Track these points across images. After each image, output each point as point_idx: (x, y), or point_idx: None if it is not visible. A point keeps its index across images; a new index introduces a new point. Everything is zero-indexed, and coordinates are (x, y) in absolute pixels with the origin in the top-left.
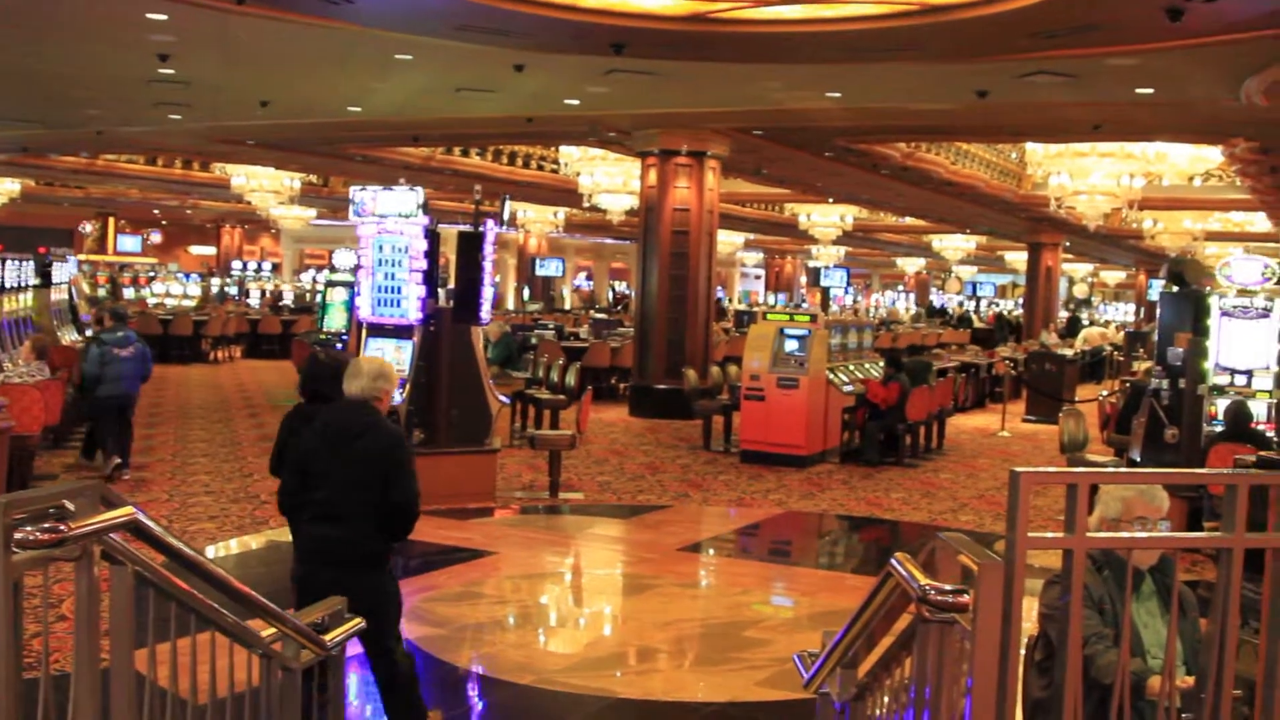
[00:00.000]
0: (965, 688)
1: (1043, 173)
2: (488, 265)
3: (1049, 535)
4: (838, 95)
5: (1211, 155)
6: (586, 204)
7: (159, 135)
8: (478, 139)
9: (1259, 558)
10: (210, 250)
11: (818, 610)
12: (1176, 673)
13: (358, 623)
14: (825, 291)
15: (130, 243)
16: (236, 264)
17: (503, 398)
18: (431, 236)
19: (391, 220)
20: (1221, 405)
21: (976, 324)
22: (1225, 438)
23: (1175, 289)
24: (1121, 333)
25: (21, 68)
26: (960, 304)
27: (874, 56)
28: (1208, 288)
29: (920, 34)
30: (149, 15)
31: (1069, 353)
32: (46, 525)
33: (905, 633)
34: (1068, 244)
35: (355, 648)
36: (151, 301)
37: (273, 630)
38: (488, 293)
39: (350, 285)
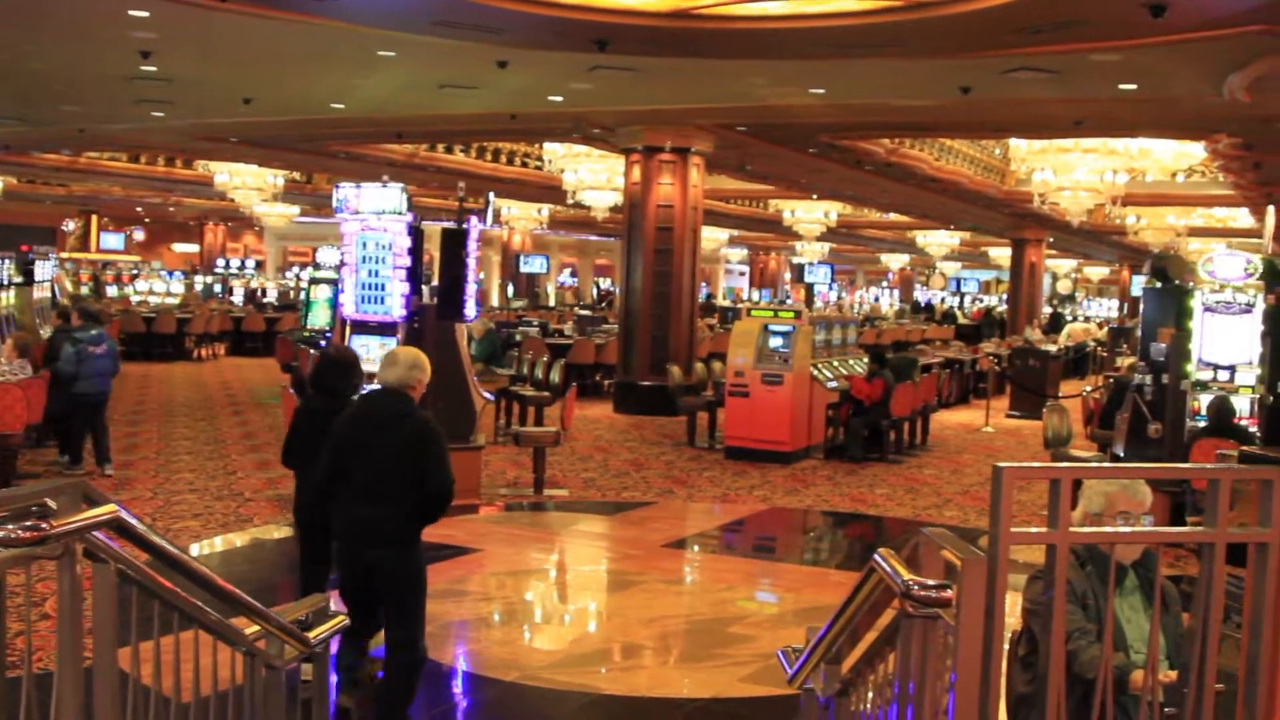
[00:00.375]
0: (949, 683)
1: (1026, 169)
2: (472, 262)
3: (1032, 530)
4: (821, 92)
5: (1194, 151)
6: (571, 201)
7: (142, 132)
8: (461, 136)
9: (1241, 552)
10: (194, 248)
11: (802, 606)
12: (1159, 667)
13: (341, 620)
14: (809, 288)
15: (113, 240)
16: (220, 261)
17: (487, 394)
18: (415, 233)
19: (375, 217)
20: (1204, 400)
21: (961, 320)
22: (1208, 433)
23: (1158, 285)
24: (1105, 328)
25: (2, 65)
26: (943, 300)
27: (857, 53)
28: (1190, 283)
29: (904, 30)
30: (131, 12)
31: (1053, 348)
32: (28, 523)
33: (889, 628)
34: (1051, 240)
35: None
36: (135, 299)
37: (256, 628)
38: (472, 289)
39: (334, 282)
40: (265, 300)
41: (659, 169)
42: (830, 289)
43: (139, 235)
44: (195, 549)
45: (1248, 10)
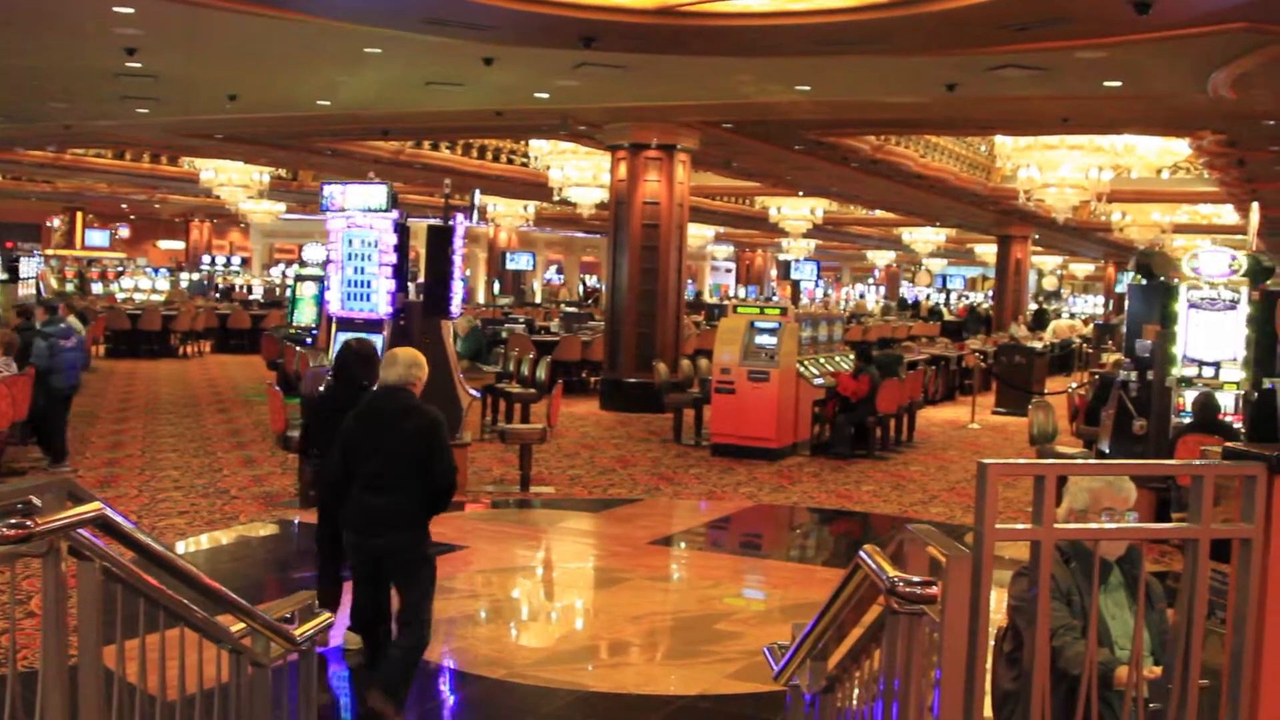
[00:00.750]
0: (934, 679)
1: (1012, 165)
2: (457, 259)
3: (1016, 527)
4: (807, 89)
5: (1179, 148)
6: (557, 198)
7: (127, 129)
8: (447, 133)
9: (1226, 548)
10: (179, 245)
11: (788, 603)
12: (1144, 663)
13: (328, 617)
14: (795, 284)
15: (98, 237)
16: (206, 258)
17: (473, 392)
18: (401, 231)
19: (361, 214)
20: (1189, 397)
21: (946, 316)
22: (1193, 429)
23: (1143, 281)
24: (1090, 325)
25: None
26: (929, 296)
27: (843, 50)
28: (1175, 280)
29: (889, 27)
30: (116, 8)
31: (1038, 345)
32: (13, 521)
33: (874, 625)
34: (1037, 236)
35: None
36: (120, 296)
37: (242, 625)
38: (457, 287)
39: (320, 279)
40: (251, 298)
41: (645, 166)
42: (816, 286)
43: (124, 232)
44: (181, 546)
45: (1232, 8)
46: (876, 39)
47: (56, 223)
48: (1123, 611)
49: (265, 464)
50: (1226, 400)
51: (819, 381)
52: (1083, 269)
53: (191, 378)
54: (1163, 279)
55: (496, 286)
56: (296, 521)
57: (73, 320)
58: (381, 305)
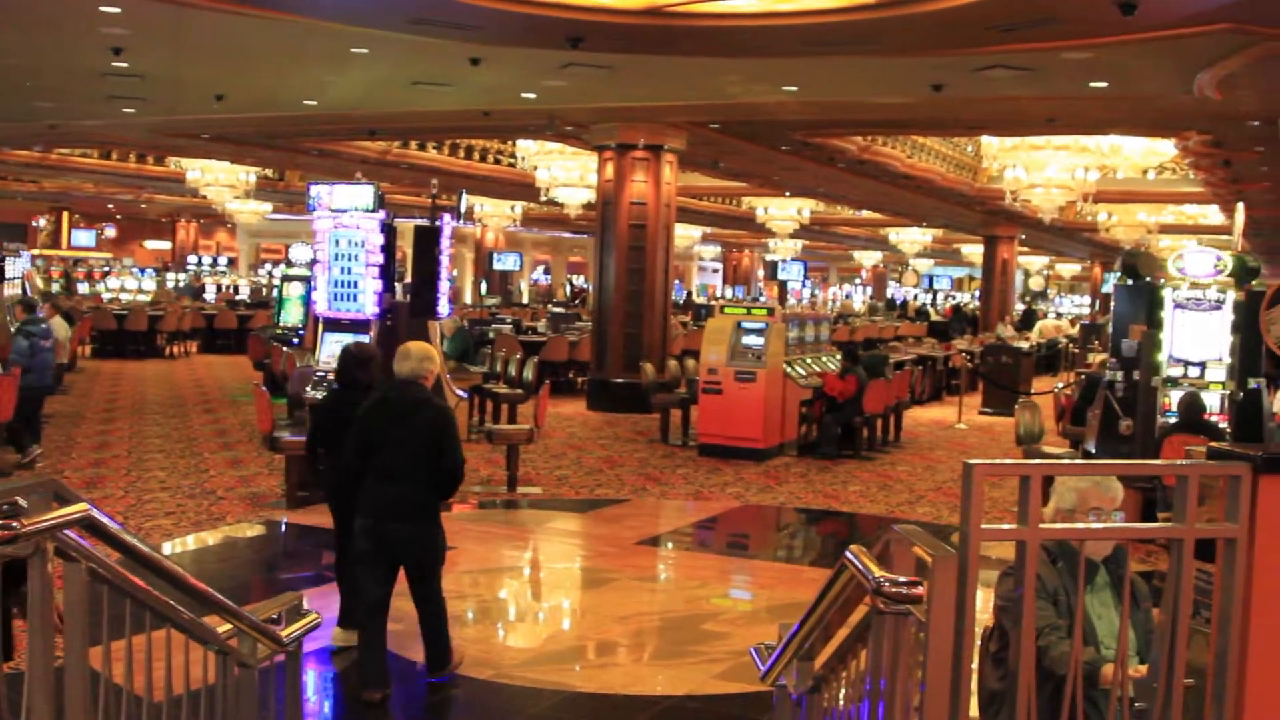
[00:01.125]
0: (920, 678)
1: (998, 166)
2: (444, 259)
3: (1002, 527)
4: (794, 89)
5: (1165, 149)
6: (544, 198)
7: (113, 129)
8: (434, 133)
9: (1211, 547)
10: (166, 245)
11: (776, 603)
12: (1129, 662)
13: (314, 618)
14: (783, 285)
15: (85, 237)
16: (192, 258)
17: (460, 392)
18: (388, 231)
19: (348, 215)
20: (1175, 397)
21: (933, 317)
22: (1179, 429)
23: (1129, 282)
24: (1077, 325)
25: None
26: (916, 297)
27: (830, 50)
28: (1161, 280)
29: (876, 28)
30: (102, 8)
31: (1025, 345)
32: None
33: (861, 625)
34: (1023, 237)
35: (312, 642)
36: (106, 297)
37: (229, 626)
38: (444, 287)
39: (307, 280)
40: (237, 298)
41: (632, 166)
42: (803, 286)
43: (111, 232)
44: (167, 547)
45: (1217, 9)
46: (863, 39)
47: (42, 222)
48: (1109, 611)
49: (252, 465)
50: (1212, 400)
51: (806, 382)
52: (1069, 269)
53: (178, 378)
54: (1148, 279)
55: (483, 287)
56: (283, 522)
57: (57, 321)
58: (368, 306)
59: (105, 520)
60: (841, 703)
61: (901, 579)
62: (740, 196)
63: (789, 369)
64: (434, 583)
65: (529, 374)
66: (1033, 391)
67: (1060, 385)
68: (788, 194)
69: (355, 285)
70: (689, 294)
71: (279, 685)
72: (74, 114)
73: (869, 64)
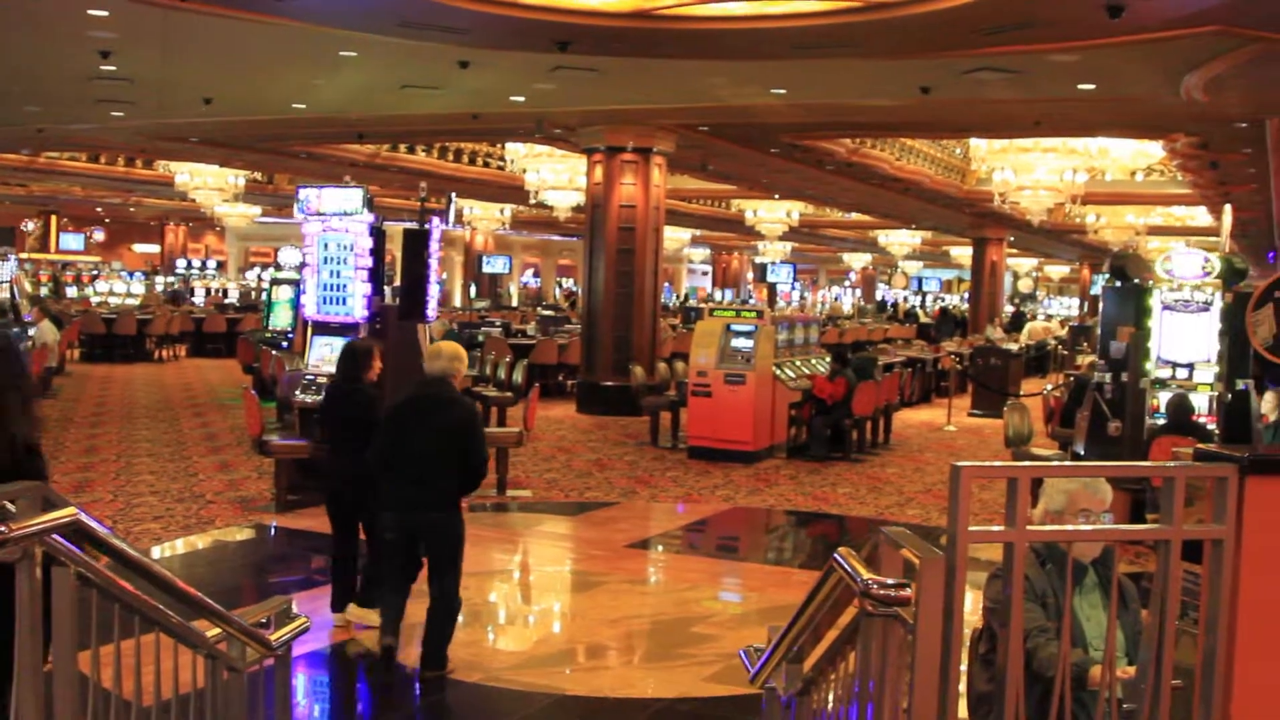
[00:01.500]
0: (909, 681)
1: (987, 168)
2: (433, 262)
3: (990, 529)
4: (782, 92)
5: (1153, 150)
6: (533, 201)
7: (102, 132)
8: (423, 136)
9: (1199, 549)
10: (154, 248)
11: (765, 605)
12: (1117, 663)
13: (304, 622)
14: (772, 287)
15: (73, 241)
16: (181, 262)
17: None
18: (377, 234)
19: (336, 218)
20: (1163, 398)
21: (922, 319)
22: (1167, 430)
23: (1118, 284)
24: (1065, 327)
25: None
26: (906, 299)
27: (818, 53)
28: (1149, 282)
29: (864, 31)
30: (90, 12)
31: (1014, 347)
32: None
33: (849, 627)
34: (1012, 239)
35: (302, 646)
36: (95, 300)
37: (218, 630)
38: (433, 290)
39: (296, 283)
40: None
41: (621, 169)
42: (793, 289)
43: (99, 235)
44: (156, 551)
45: (1203, 11)
46: (851, 42)
47: (31, 226)
48: (1097, 612)
49: (241, 468)
50: (1200, 401)
51: (795, 384)
52: (1058, 271)
53: (167, 382)
54: (1137, 281)
55: (473, 290)
56: (273, 526)
57: (46, 325)
58: (357, 309)
59: (94, 524)
60: (830, 705)
61: (889, 581)
62: (729, 199)
63: (778, 371)
64: (454, 577)
65: (518, 377)
66: (1021, 393)
67: (1049, 387)
68: (777, 196)
69: (344, 289)
70: (685, 297)
71: (268, 689)
72: (62, 117)
73: (857, 67)
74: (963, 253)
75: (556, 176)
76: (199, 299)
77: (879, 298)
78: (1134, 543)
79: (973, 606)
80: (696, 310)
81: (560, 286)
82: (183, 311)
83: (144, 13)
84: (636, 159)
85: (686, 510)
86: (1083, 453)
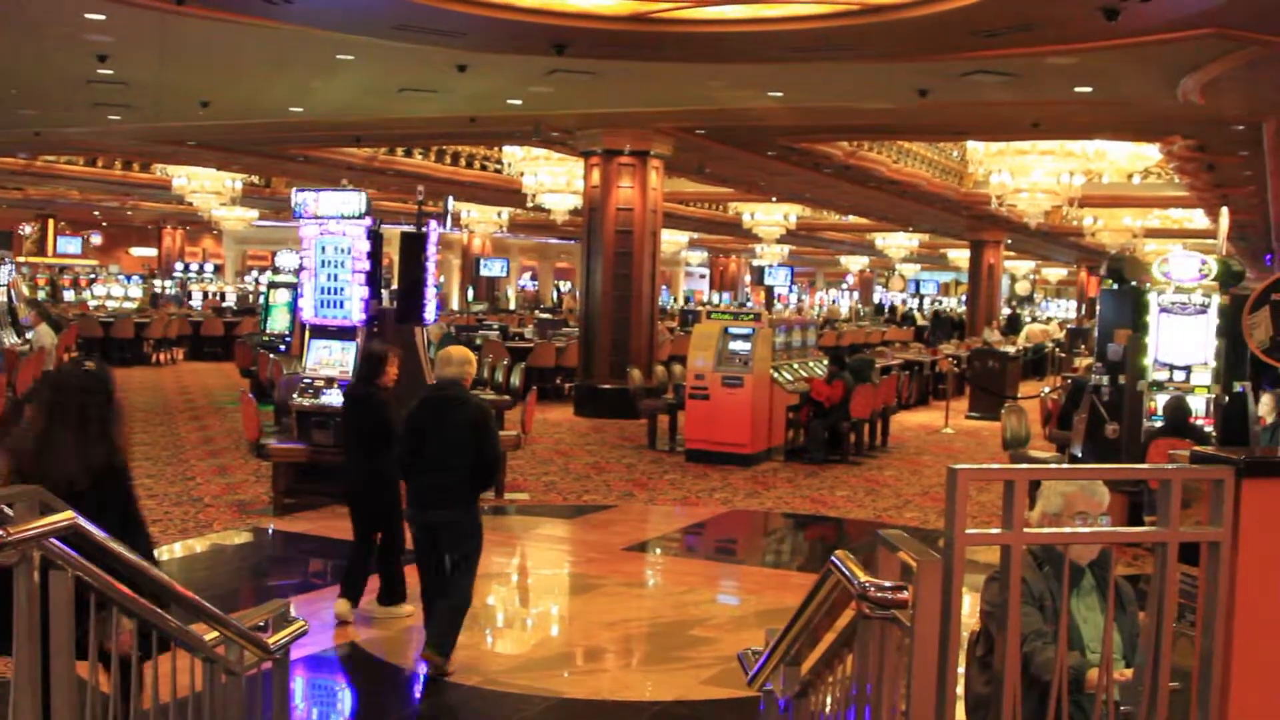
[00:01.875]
0: (906, 683)
1: (984, 171)
2: (431, 266)
3: (987, 532)
4: (780, 95)
5: (1150, 153)
6: (530, 204)
7: (98, 136)
8: (420, 139)
9: (1196, 551)
10: (151, 252)
11: (763, 608)
12: (1115, 666)
13: (301, 625)
14: (769, 290)
15: (70, 244)
16: (179, 265)
17: None
18: (374, 237)
19: (334, 221)
20: (1161, 401)
21: (920, 321)
22: (1164, 433)
23: (1115, 286)
24: (1063, 329)
25: None
26: (904, 302)
27: (815, 56)
28: (1147, 284)
29: (861, 34)
30: (87, 15)
31: (1011, 350)
32: None
33: (847, 630)
34: (1009, 241)
35: (300, 649)
36: (92, 304)
37: (215, 634)
38: (431, 293)
39: (293, 287)
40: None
41: (618, 172)
42: (790, 291)
43: (96, 239)
44: (153, 555)
45: (1200, 14)
46: (848, 45)
47: (28, 230)
48: (1095, 615)
49: (239, 472)
50: (1198, 404)
51: (793, 387)
52: (1055, 273)
53: (164, 385)
54: (1134, 283)
55: (470, 293)
56: (270, 529)
57: (43, 329)
58: (355, 312)
59: (91, 528)
60: (828, 707)
61: (887, 584)
62: (727, 202)
63: (776, 374)
64: (469, 577)
65: (516, 380)
66: (1019, 396)
67: (1046, 389)
68: (774, 199)
69: (341, 292)
70: (684, 300)
71: (266, 693)
72: (59, 121)
73: (854, 69)
74: (960, 255)
75: (554, 179)
76: (196, 302)
77: (876, 300)
78: (1131, 545)
79: (970, 609)
80: (694, 313)
81: (558, 291)
82: (180, 315)
83: (141, 16)
84: (634, 162)
85: (684, 513)
86: (1080, 455)
